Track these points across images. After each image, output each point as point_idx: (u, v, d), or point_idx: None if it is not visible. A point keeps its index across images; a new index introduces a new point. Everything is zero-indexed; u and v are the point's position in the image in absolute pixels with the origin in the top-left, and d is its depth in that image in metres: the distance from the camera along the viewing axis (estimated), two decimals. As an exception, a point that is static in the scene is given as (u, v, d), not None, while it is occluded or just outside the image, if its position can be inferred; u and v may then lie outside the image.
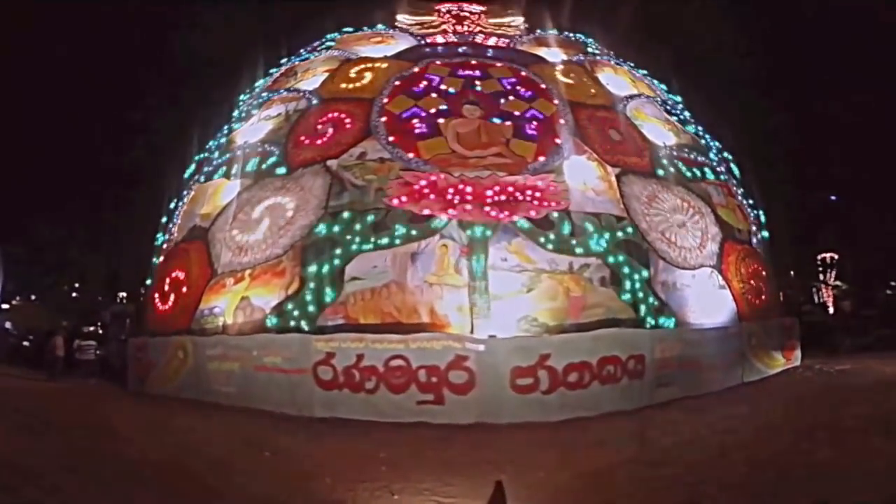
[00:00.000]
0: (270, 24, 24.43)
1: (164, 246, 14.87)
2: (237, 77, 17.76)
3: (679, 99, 17.76)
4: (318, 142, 13.47)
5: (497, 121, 13.44)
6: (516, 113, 13.70)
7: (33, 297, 30.37)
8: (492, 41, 17.49)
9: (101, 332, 20.70)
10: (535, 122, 13.55)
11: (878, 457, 7.38)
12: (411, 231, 11.73)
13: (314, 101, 14.66)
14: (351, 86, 14.74)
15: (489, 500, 6.09)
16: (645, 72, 17.99)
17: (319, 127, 13.76)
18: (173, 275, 13.68)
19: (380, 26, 18.08)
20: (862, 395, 10.64)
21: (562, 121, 13.75)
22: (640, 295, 11.98)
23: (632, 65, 18.00)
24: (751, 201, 16.02)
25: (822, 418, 9.42)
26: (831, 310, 18.96)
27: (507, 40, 17.59)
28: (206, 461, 8.12)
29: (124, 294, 21.31)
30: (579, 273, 11.87)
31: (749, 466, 7.60)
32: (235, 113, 16.69)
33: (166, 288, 13.68)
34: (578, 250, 11.97)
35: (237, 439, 9.36)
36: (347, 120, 13.68)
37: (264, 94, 16.23)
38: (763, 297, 14.19)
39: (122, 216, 24.80)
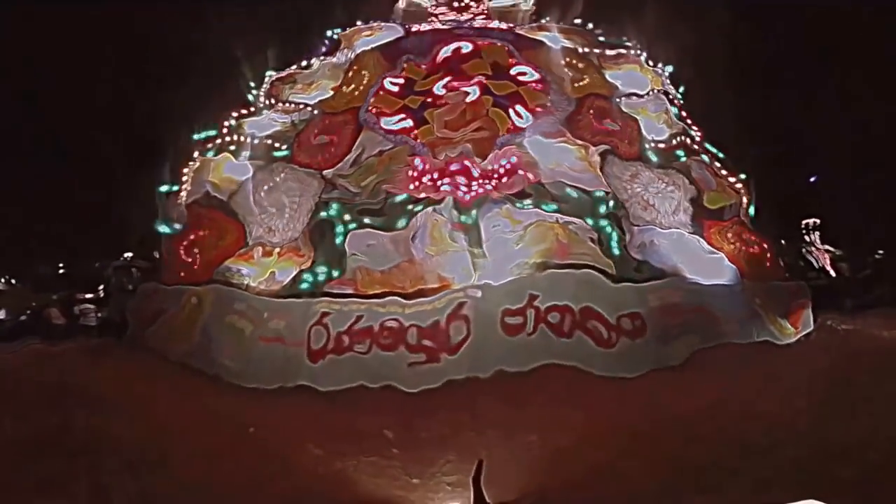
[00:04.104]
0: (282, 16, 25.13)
1: (176, 203, 15.05)
2: (245, 69, 18.09)
3: (675, 91, 17.56)
4: (317, 154, 14.24)
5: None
6: (499, 93, 14.37)
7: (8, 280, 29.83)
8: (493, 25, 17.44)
9: (102, 294, 19.44)
10: (516, 105, 14.20)
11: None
12: (402, 214, 12.66)
13: (315, 113, 15.50)
14: (347, 91, 15.41)
15: (472, 477, 6.38)
16: (661, 66, 17.45)
17: (316, 139, 14.59)
18: (197, 233, 13.91)
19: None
20: (877, 359, 10.64)
21: (553, 110, 14.19)
22: (618, 255, 12.50)
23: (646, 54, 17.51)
24: (741, 176, 16.20)
25: (843, 386, 9.39)
26: (833, 273, 19.14)
27: (507, 24, 17.55)
28: (186, 440, 8.07)
29: (130, 255, 20.61)
30: (566, 226, 12.72)
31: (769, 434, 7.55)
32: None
33: (190, 246, 13.83)
34: (562, 209, 12.74)
35: (217, 416, 9.30)
36: (341, 126, 14.46)
37: (271, 96, 16.77)
38: (762, 260, 14.25)
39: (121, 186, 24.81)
